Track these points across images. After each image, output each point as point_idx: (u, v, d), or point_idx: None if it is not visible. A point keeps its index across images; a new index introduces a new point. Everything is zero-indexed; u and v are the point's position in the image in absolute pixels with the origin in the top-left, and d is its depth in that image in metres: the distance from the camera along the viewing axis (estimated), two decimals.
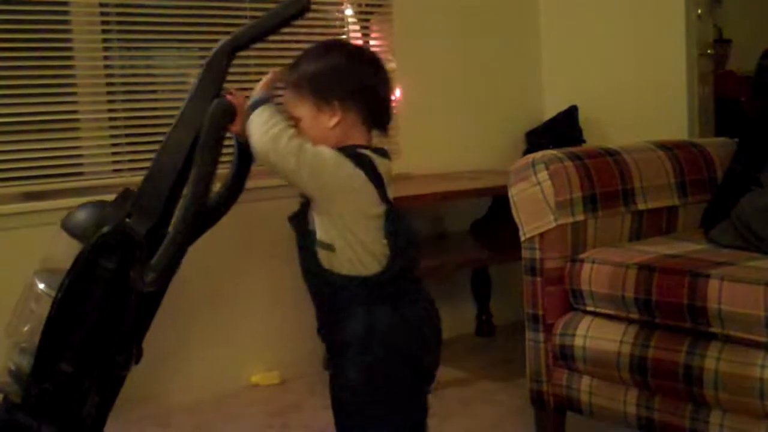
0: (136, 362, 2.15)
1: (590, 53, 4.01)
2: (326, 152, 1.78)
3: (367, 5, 3.68)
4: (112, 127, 3.08)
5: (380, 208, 1.82)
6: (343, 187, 1.79)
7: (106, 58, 3.10)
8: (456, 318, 3.86)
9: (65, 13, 2.98)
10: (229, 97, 1.92)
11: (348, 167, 1.78)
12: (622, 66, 3.90)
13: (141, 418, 2.98)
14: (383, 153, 1.88)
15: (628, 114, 3.86)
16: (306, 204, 1.87)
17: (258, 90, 1.90)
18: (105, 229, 1.99)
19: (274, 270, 3.38)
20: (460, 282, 3.87)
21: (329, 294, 1.86)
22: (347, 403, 1.90)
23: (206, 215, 2.04)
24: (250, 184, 2.03)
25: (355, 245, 1.80)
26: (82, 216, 2.10)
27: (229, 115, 1.88)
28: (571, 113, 3.95)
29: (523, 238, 2.59)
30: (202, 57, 3.22)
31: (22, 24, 2.88)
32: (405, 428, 1.89)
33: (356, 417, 1.89)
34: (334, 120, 1.83)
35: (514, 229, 2.63)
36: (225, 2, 3.29)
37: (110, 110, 3.08)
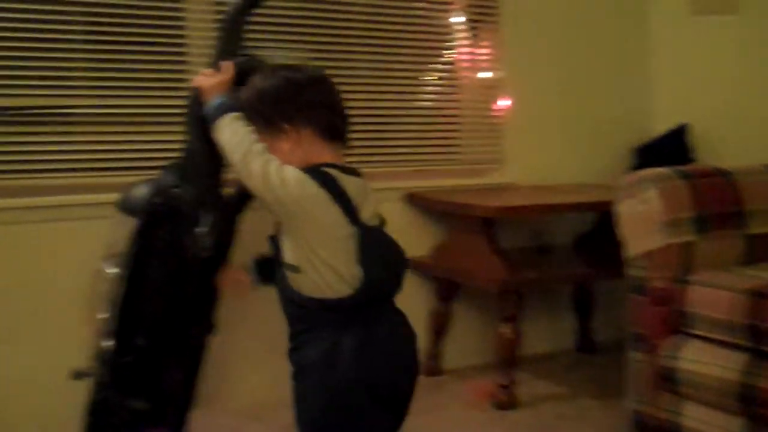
0: (211, 334, 2.20)
1: (703, 69, 3.90)
2: (290, 172, 1.76)
3: (475, 13, 3.67)
4: None
5: (347, 230, 1.77)
6: (305, 207, 1.75)
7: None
8: (556, 333, 3.82)
9: (180, 9, 3.05)
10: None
11: (311, 187, 1.75)
12: (736, 84, 3.77)
13: (235, 412, 3.04)
14: (352, 171, 1.85)
15: (742, 135, 3.73)
16: (279, 224, 1.86)
17: (212, 89, 1.95)
18: (155, 200, 2.06)
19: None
20: (561, 296, 3.82)
21: (296, 315, 1.84)
22: (306, 426, 1.86)
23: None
24: None
25: (321, 267, 1.76)
26: (132, 194, 2.19)
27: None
28: (682, 131, 3.85)
29: (628, 256, 2.54)
30: (313, 56, 3.31)
31: (137, 18, 2.96)
32: None
33: None
34: (289, 143, 1.83)
35: (620, 246, 2.58)
36: (334, 5, 3.32)
37: None
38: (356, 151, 3.37)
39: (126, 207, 2.21)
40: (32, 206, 2.80)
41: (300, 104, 1.84)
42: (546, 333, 3.78)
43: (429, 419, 2.99)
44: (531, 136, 3.74)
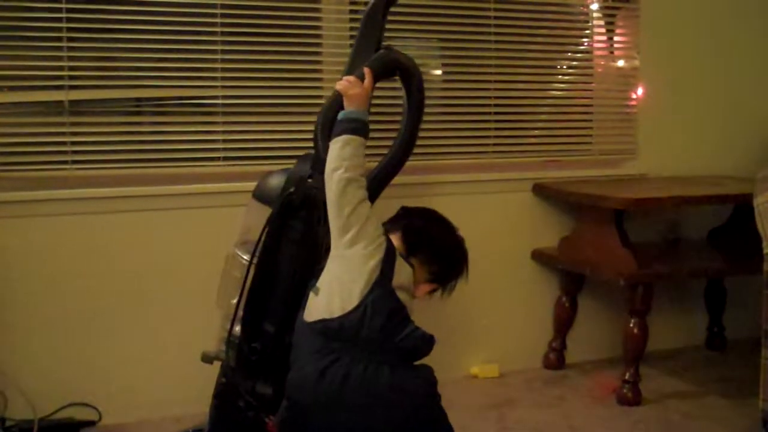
0: None
1: None
2: (371, 218, 1.97)
3: (613, 0, 3.59)
4: None
5: (374, 267, 1.93)
6: (364, 231, 1.95)
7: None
8: (685, 328, 3.72)
9: (317, 1, 3.10)
10: None
11: (377, 226, 1.99)
12: None
13: None
14: (409, 264, 2.04)
15: None
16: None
17: (353, 99, 2.03)
18: (290, 190, 2.09)
19: (508, 263, 3.40)
20: (692, 291, 3.71)
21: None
22: None
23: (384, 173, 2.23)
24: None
25: (335, 290, 1.92)
26: (268, 183, 2.23)
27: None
28: None
29: (766, 251, 2.45)
30: (442, 47, 3.31)
31: (277, 11, 3.02)
32: None
33: None
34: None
35: (756, 240, 2.49)
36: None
37: None
38: (485, 141, 3.38)
39: (261, 196, 2.26)
40: (167, 194, 2.91)
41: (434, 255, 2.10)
42: (674, 329, 3.68)
43: (550, 412, 2.97)
44: (666, 126, 3.64)
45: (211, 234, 2.90)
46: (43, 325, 2.79)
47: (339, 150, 1.96)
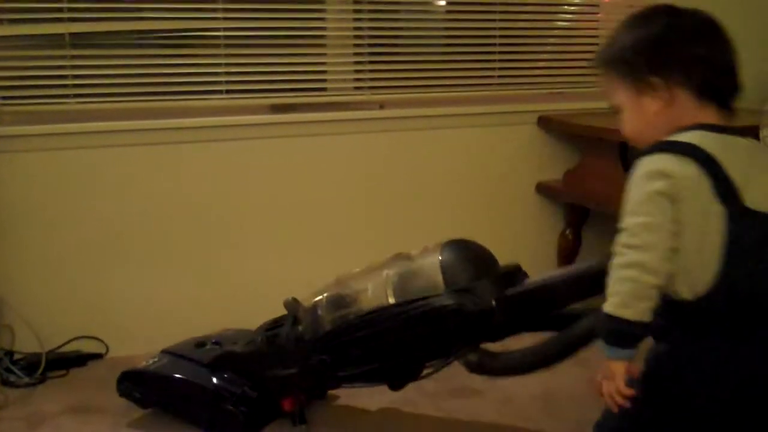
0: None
1: None
2: (636, 217, 1.49)
3: None
4: (356, 45, 3.14)
5: (717, 207, 1.39)
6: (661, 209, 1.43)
7: None
8: None
9: None
10: None
11: (658, 185, 1.41)
12: None
13: None
14: (733, 131, 1.50)
15: None
16: None
17: None
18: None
19: (513, 196, 3.39)
20: None
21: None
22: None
23: None
24: None
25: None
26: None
27: None
28: None
29: None
30: None
31: None
32: None
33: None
34: (658, 103, 1.51)
35: None
36: None
37: (356, 28, 3.14)
38: (490, 73, 3.34)
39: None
40: (169, 127, 2.89)
41: (681, 58, 1.52)
42: None
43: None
44: None
45: (213, 167, 2.90)
46: (48, 260, 2.81)
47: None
